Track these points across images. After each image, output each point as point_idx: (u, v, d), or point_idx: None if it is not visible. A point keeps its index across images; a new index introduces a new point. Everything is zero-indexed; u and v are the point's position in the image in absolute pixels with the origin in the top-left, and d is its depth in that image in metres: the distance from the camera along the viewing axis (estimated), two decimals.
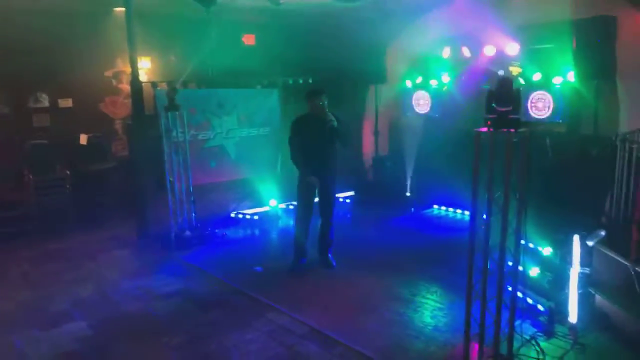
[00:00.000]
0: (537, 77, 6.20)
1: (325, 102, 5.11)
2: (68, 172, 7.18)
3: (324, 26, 7.85)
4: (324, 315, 4.36)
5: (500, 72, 6.35)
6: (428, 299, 4.67)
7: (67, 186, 7.10)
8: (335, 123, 5.08)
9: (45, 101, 7.43)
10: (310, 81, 8.19)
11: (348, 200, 8.41)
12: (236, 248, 6.33)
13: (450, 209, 7.75)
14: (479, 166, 3.18)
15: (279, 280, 5.16)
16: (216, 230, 6.72)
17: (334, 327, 4.11)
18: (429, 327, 4.14)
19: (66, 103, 7.61)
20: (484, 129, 3.15)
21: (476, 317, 3.43)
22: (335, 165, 5.37)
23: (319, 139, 5.14)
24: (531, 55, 6.32)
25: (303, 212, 5.40)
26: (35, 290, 5.10)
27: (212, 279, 5.33)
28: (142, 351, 3.87)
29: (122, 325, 4.31)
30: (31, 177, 6.85)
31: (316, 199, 5.46)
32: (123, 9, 6.32)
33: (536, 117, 6.15)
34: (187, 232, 6.42)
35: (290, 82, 7.95)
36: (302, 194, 5.35)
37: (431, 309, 4.47)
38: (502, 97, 3.00)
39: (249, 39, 8.75)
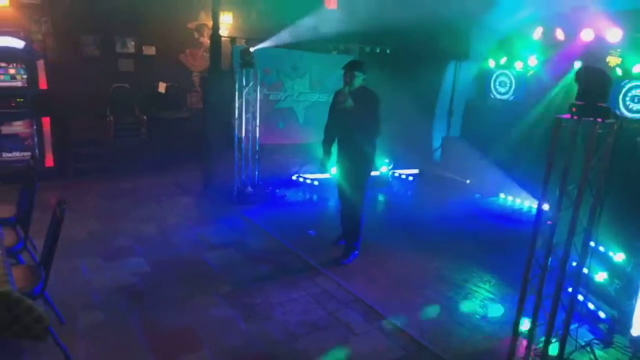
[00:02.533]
0: (638, 68, 5.64)
1: (358, 79, 4.47)
2: (145, 117, 7.53)
3: None
4: (370, 286, 4.34)
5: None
6: (480, 287, 4.51)
7: (143, 130, 7.45)
8: (348, 103, 4.40)
9: (131, 47, 7.76)
10: (388, 51, 7.97)
11: (411, 178, 8.24)
12: (293, 210, 6.41)
13: (518, 199, 7.37)
14: (554, 156, 2.94)
15: (330, 247, 5.17)
16: (277, 190, 6.84)
17: (378, 300, 4.08)
18: (477, 316, 4.00)
19: (150, 50, 7.92)
20: (567, 116, 2.90)
21: (529, 313, 3.26)
22: (366, 147, 4.60)
23: (345, 115, 4.52)
24: (635, 43, 5.73)
25: (339, 192, 4.98)
26: (105, 223, 5.47)
27: (266, 235, 5.45)
28: (192, 293, 4.04)
29: (177, 267, 4.52)
30: (112, 118, 7.25)
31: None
32: None
33: (632, 113, 5.62)
34: (249, 189, 6.58)
35: (367, 50, 7.77)
36: (338, 173, 4.91)
37: (481, 298, 4.31)
38: (590, 83, 2.73)
39: (330, 2, 8.59)
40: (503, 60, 7.37)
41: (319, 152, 4.94)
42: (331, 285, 4.34)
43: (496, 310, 4.11)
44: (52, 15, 6.96)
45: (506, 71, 7.37)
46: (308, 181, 7.33)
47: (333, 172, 7.34)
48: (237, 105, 6.45)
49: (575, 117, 2.84)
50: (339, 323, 3.74)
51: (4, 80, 6.36)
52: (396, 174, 8.24)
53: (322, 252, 5.03)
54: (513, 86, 7.29)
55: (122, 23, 7.43)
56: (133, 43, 7.77)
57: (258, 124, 6.59)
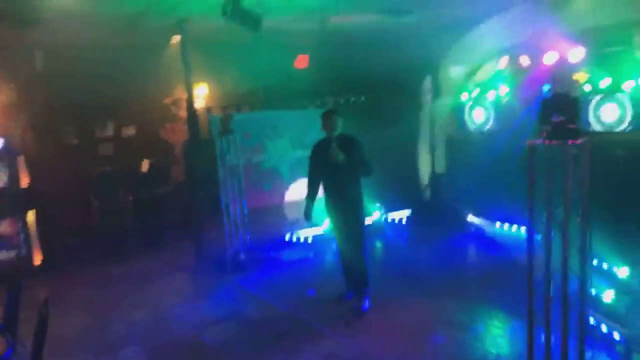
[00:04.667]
0: (605, 82, 5.74)
1: (339, 123, 4.62)
2: (130, 198, 7.50)
3: (374, 43, 7.77)
4: (376, 343, 4.18)
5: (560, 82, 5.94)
6: (489, 325, 4.36)
7: (129, 211, 7.40)
8: (339, 157, 4.47)
9: (110, 130, 7.84)
10: (363, 99, 8.11)
11: (405, 220, 8.17)
12: (290, 270, 6.26)
13: (515, 226, 7.27)
14: (534, 181, 2.92)
15: (331, 305, 5.01)
16: (271, 253, 6.71)
17: (386, 354, 3.91)
18: (491, 357, 3.83)
19: (129, 131, 8.00)
20: (539, 141, 2.90)
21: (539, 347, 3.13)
22: (356, 192, 4.72)
23: (332, 165, 4.57)
24: (599, 59, 5.86)
25: (336, 238, 5.03)
26: (97, 315, 5.26)
27: (264, 303, 5.29)
28: None
29: (174, 353, 4.34)
30: (96, 203, 7.21)
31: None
32: (180, 37, 6.58)
33: (604, 126, 5.67)
34: (242, 255, 6.45)
35: (342, 101, 7.90)
36: (331, 221, 4.98)
37: (492, 336, 4.15)
38: (556, 106, 2.76)
39: (301, 62, 8.82)
40: (475, 92, 7.50)
41: (304, 205, 4.95)
42: (336, 346, 4.17)
43: (508, 347, 3.95)
44: (28, 111, 7.06)
45: (479, 103, 7.48)
46: (302, 239, 7.24)
47: (325, 225, 7.33)
48: (220, 172, 6.46)
49: (546, 142, 2.85)
50: None
51: None
52: (389, 219, 8.17)
53: (323, 311, 4.88)
54: (488, 116, 7.38)
55: (98, 108, 7.53)
56: (112, 126, 7.86)
57: (244, 188, 6.57)
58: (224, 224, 6.41)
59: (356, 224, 4.76)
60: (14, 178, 6.48)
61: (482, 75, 7.30)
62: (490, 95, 7.26)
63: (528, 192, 2.96)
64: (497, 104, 7.22)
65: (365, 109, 8.05)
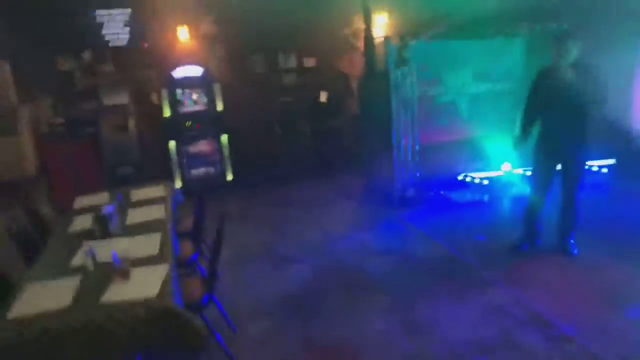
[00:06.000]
0: None
1: (571, 52, 4.05)
2: (309, 128, 7.82)
3: None
4: (554, 302, 3.69)
5: None
6: None
7: (307, 139, 7.75)
8: (567, 76, 4.03)
9: (292, 61, 8.14)
10: (565, 27, 6.89)
11: (606, 170, 6.97)
12: (460, 213, 5.92)
13: None
14: None
15: (504, 255, 4.59)
16: (441, 192, 6.41)
17: (566, 317, 3.44)
18: None
19: (310, 62, 8.20)
20: None
21: None
22: (584, 131, 4.26)
23: (560, 99, 4.14)
24: None
25: (538, 182, 4.53)
26: (274, 231, 5.75)
27: (429, 241, 5.11)
28: (352, 305, 3.94)
29: (338, 276, 4.47)
30: (279, 131, 7.70)
31: (559, 167, 4.47)
32: None
33: None
34: (411, 191, 6.29)
35: (537, 29, 6.82)
36: (540, 160, 4.48)
37: None
38: None
39: None
40: None
41: (513, 133, 4.68)
42: (505, 298, 3.82)
43: None
44: (224, 42, 7.68)
45: None
46: (477, 180, 6.72)
47: (505, 168, 6.67)
48: (394, 106, 6.24)
49: None
50: (515, 345, 3.24)
51: (188, 105, 7.19)
52: (587, 166, 7.05)
53: (494, 260, 4.50)
54: None
55: (283, 40, 7.83)
56: (294, 57, 8.13)
57: (417, 122, 6.27)
58: (393, 158, 6.28)
59: (580, 164, 4.39)
60: (211, 103, 7.24)
61: None
62: None
63: None
64: None
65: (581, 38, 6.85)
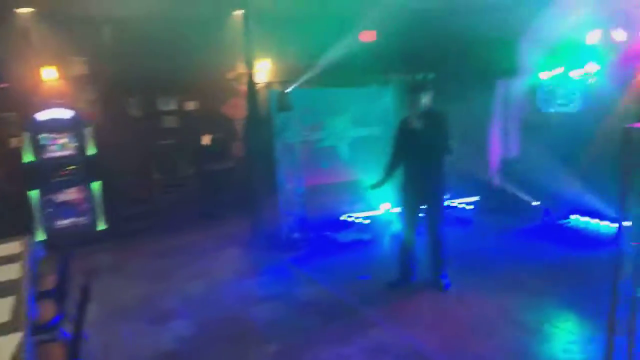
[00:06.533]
0: None
1: (421, 102, 4.41)
2: (191, 172, 7.57)
3: (448, 16, 7.23)
4: (430, 336, 3.87)
5: None
6: (559, 328, 3.91)
7: (190, 185, 7.48)
8: (418, 125, 4.36)
9: (173, 104, 7.91)
10: (431, 77, 7.62)
11: (471, 207, 7.66)
12: (344, 253, 6.05)
13: (595, 220, 6.59)
14: (630, 171, 2.47)
15: (385, 293, 4.75)
16: (326, 233, 6.53)
17: (440, 352, 3.61)
18: None
19: (192, 105, 8.03)
20: (638, 125, 2.44)
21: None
22: (440, 174, 4.59)
23: (413, 144, 4.49)
24: None
25: (407, 221, 4.79)
26: (153, 284, 5.36)
27: (315, 284, 5.12)
28: (238, 355, 3.78)
29: (223, 327, 4.28)
30: (158, 175, 7.33)
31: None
32: (242, 10, 6.44)
33: None
34: (296, 234, 6.33)
35: (408, 79, 7.45)
36: (405, 201, 4.77)
37: (563, 342, 3.72)
38: None
39: (366, 36, 8.44)
40: (558, 71, 6.80)
41: (375, 178, 4.89)
42: (386, 337, 3.92)
43: (582, 355, 3.51)
44: (97, 83, 7.24)
45: (562, 83, 6.77)
46: (358, 220, 6.98)
47: (383, 208, 7.03)
48: (277, 149, 6.32)
49: None
50: None
51: (55, 150, 6.59)
52: (454, 204, 7.70)
53: (375, 298, 4.64)
54: (572, 97, 6.67)
55: (162, 82, 7.59)
56: (175, 100, 7.92)
57: (301, 166, 6.40)
58: (279, 202, 6.30)
59: (439, 205, 4.68)
60: (81, 148, 6.71)
61: (567, 51, 6.57)
62: (576, 75, 6.55)
63: (621, 183, 2.52)
64: (583, 85, 6.50)
65: (433, 88, 7.57)
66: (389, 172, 4.80)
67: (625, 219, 2.63)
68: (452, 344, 3.75)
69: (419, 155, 4.51)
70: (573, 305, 4.22)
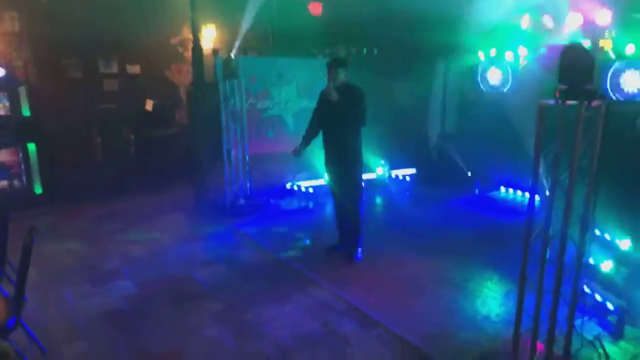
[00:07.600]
0: (630, 49, 5.46)
1: (340, 74, 4.58)
2: (133, 137, 7.42)
3: None
4: (366, 294, 4.17)
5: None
6: (482, 286, 4.33)
7: (132, 149, 7.34)
8: (334, 96, 4.50)
9: (114, 67, 7.66)
10: (375, 52, 7.85)
11: (408, 178, 8.07)
12: (288, 219, 6.26)
13: (519, 192, 7.19)
14: (540, 144, 2.79)
15: (325, 256, 5.02)
16: (270, 200, 6.69)
17: (375, 307, 3.91)
18: (480, 317, 3.82)
19: (134, 69, 7.82)
20: (552, 101, 2.75)
21: (530, 311, 3.09)
22: (355, 144, 4.71)
23: (331, 112, 4.63)
24: (626, 23, 5.55)
25: (332, 189, 5.02)
26: (94, 247, 5.34)
27: (259, 248, 5.31)
28: (182, 314, 3.90)
29: (166, 288, 4.37)
30: (99, 139, 7.15)
31: None
32: None
33: (628, 94, 5.45)
34: (242, 201, 6.45)
35: (354, 52, 7.65)
36: (328, 171, 4.96)
37: (484, 297, 4.13)
38: (572, 64, 2.58)
39: (315, 8, 8.50)
40: (493, 52, 7.21)
41: (300, 144, 5.01)
42: (325, 295, 4.18)
43: (499, 309, 3.93)
44: (32, 42, 6.88)
45: (497, 63, 7.20)
46: (302, 189, 7.18)
47: (326, 176, 7.26)
48: (223, 117, 6.34)
49: (560, 102, 2.69)
50: (334, 335, 3.57)
51: None
52: (393, 175, 8.09)
53: (316, 261, 4.89)
54: (505, 78, 7.12)
55: (103, 43, 7.32)
56: (117, 62, 7.67)
57: (246, 134, 6.47)
58: (224, 168, 6.36)
59: (354, 175, 4.80)
60: (15, 108, 6.41)
61: (502, 34, 6.97)
62: (509, 56, 6.98)
63: (534, 155, 2.83)
64: (514, 66, 6.95)
65: (377, 62, 7.82)
66: (307, 139, 4.98)
67: (535, 189, 2.97)
68: (387, 300, 4.07)
69: (335, 126, 4.68)
70: (493, 266, 4.67)
